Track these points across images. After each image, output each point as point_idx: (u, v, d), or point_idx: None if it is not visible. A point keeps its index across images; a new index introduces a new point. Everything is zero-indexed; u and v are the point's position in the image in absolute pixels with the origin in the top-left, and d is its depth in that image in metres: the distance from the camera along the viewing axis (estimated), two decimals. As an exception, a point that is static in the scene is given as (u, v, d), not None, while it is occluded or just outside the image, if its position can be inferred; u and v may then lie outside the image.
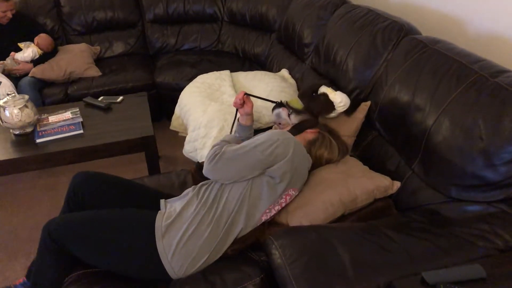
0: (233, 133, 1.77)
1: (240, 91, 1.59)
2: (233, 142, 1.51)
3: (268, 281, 1.25)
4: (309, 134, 1.56)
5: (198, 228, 1.30)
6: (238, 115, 1.74)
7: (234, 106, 1.68)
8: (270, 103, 1.76)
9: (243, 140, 1.58)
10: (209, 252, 1.29)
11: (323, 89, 1.74)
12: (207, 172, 1.37)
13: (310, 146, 1.53)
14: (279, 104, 1.70)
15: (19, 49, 2.91)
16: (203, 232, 1.30)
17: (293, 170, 1.35)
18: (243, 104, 1.67)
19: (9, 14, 2.88)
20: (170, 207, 1.40)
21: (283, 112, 1.67)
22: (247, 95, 1.67)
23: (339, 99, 1.69)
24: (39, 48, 2.94)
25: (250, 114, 1.70)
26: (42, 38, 2.96)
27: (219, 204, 1.35)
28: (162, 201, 1.45)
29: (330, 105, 1.70)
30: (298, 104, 1.68)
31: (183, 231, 1.30)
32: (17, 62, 2.87)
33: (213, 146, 1.43)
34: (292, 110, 1.66)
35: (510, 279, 1.01)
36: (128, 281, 1.32)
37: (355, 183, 1.44)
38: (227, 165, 1.34)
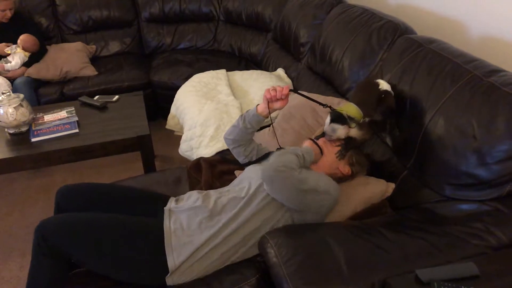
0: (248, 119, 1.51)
1: (284, 86, 1.39)
2: (240, 133, 1.51)
3: (264, 281, 1.26)
4: (341, 170, 1.49)
5: (209, 253, 1.28)
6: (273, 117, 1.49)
7: (268, 97, 1.41)
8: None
9: (251, 132, 1.52)
10: (212, 271, 1.29)
11: (384, 85, 1.46)
12: (267, 174, 1.31)
13: (335, 180, 1.44)
14: (339, 118, 1.39)
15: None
16: (212, 255, 1.29)
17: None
18: (280, 98, 1.42)
19: (9, 14, 2.85)
20: (175, 219, 1.34)
21: (343, 130, 1.40)
22: (295, 92, 1.44)
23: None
24: (25, 50, 2.89)
25: (275, 110, 1.50)
26: (25, 40, 2.87)
27: (237, 224, 1.31)
28: (166, 212, 1.38)
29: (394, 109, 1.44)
30: (357, 112, 1.40)
31: (193, 253, 1.27)
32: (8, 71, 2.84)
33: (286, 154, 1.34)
34: (356, 124, 1.37)
35: (503, 277, 1.02)
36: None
37: (353, 196, 1.45)
38: (286, 187, 1.29)
